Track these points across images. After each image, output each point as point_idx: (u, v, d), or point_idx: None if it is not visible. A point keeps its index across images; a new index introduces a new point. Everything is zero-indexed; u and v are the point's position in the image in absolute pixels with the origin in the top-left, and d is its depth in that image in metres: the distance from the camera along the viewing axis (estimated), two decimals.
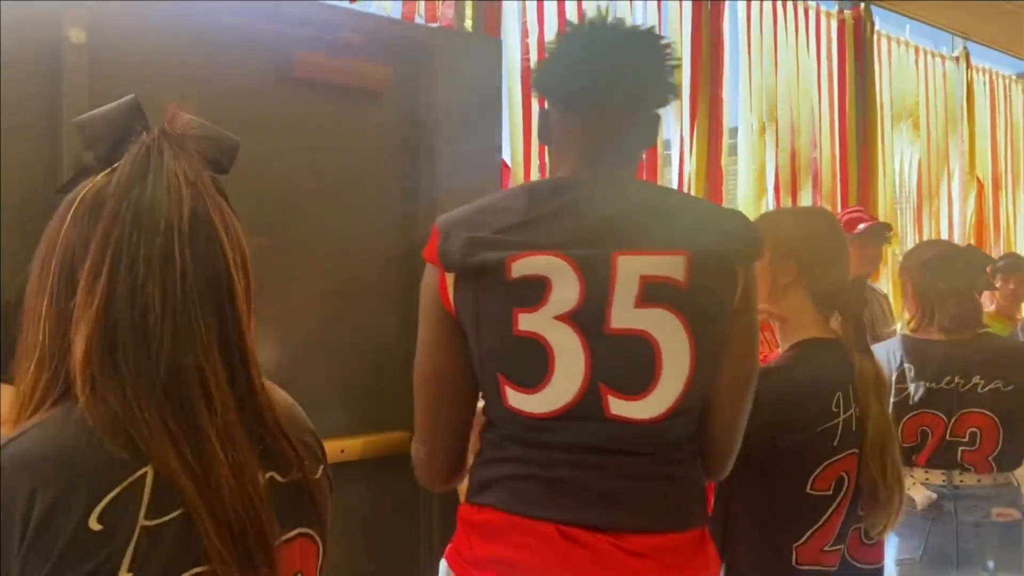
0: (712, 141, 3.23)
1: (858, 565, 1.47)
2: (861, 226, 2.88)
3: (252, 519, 0.69)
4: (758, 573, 1.42)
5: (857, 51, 3.85)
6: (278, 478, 0.75)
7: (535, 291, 1.07)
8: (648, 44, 1.14)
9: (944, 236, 4.34)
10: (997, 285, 3.26)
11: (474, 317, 1.10)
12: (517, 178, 2.78)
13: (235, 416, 0.71)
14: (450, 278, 1.11)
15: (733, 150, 3.59)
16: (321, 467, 0.81)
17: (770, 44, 3.55)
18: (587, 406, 1.08)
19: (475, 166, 2.53)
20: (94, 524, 0.64)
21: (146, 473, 0.66)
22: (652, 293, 1.07)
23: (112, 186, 0.71)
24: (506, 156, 2.74)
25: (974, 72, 4.75)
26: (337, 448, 2.13)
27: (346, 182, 2.31)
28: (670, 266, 1.08)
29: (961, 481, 2.03)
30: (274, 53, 2.18)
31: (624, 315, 1.07)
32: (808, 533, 1.41)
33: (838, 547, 1.45)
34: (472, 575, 1.11)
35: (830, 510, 1.41)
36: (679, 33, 3.20)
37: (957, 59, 4.63)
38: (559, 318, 1.07)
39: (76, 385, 0.68)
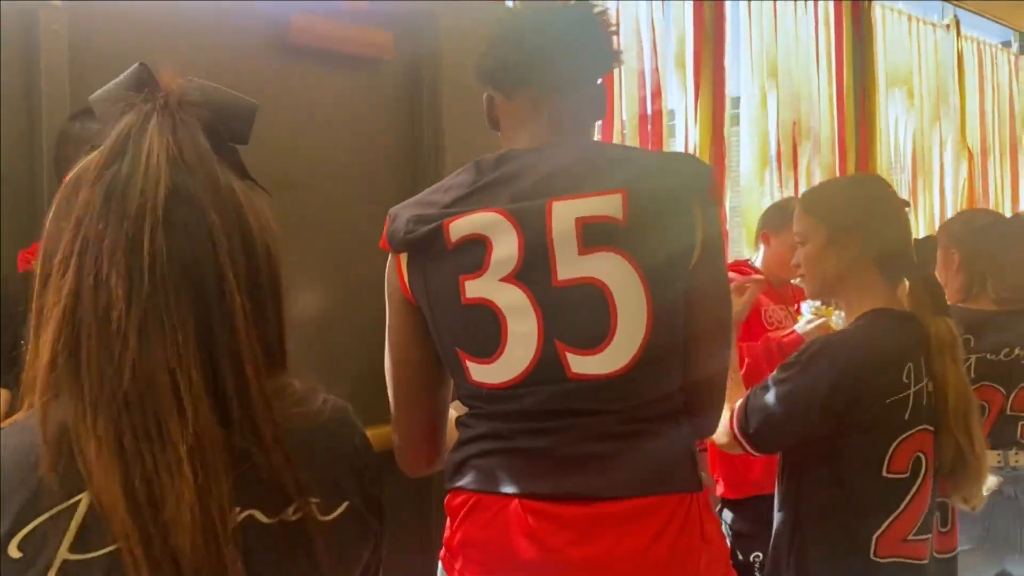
0: (716, 110, 3.15)
1: (936, 555, 1.41)
2: None
3: (209, 564, 0.57)
4: (828, 565, 1.35)
5: (855, 18, 3.78)
6: (260, 517, 0.62)
7: (477, 254, 1.05)
8: (580, 18, 1.13)
9: (937, 205, 4.32)
10: None
11: (426, 294, 1.09)
12: None
13: (215, 432, 0.59)
14: (404, 261, 1.10)
15: (735, 120, 3.51)
16: (344, 506, 0.67)
17: (770, 12, 3.47)
18: (546, 369, 1.04)
19: (483, 136, 2.41)
20: (14, 551, 0.57)
21: (79, 501, 0.58)
22: (593, 236, 1.03)
23: (89, 167, 0.63)
24: None
25: (963, 41, 4.71)
26: None
27: (345, 156, 2.20)
28: (606, 205, 1.04)
29: (1017, 462, 1.96)
30: (267, 19, 2.07)
31: (570, 264, 1.04)
32: (889, 520, 1.34)
33: (924, 537, 1.38)
34: (450, 564, 1.10)
35: (910, 494, 1.35)
36: (682, 1, 3.11)
37: (948, 27, 4.58)
38: (505, 279, 1.04)
39: (37, 391, 0.61)
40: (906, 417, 1.36)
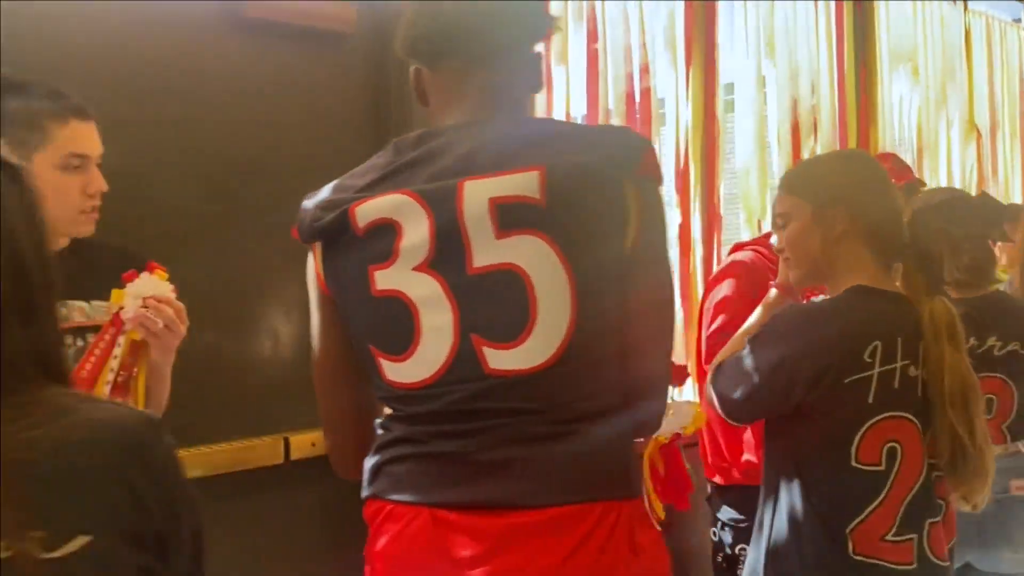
0: (708, 89, 3.02)
1: (940, 563, 1.30)
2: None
3: None
4: (802, 559, 1.25)
5: None
6: None
7: (386, 241, 0.98)
8: None
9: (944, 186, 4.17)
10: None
11: (338, 287, 1.03)
12: None
13: None
14: (319, 253, 1.04)
15: (730, 107, 3.36)
16: (82, 541, 0.57)
17: None
18: (463, 365, 0.97)
19: None
20: None
21: None
22: (510, 218, 0.96)
23: None
24: None
25: (971, 16, 4.54)
26: (307, 442, 1.95)
27: (306, 136, 2.07)
28: (522, 184, 0.96)
29: None
30: None
31: (486, 249, 0.96)
32: (862, 516, 1.24)
33: (908, 538, 1.27)
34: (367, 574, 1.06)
35: (885, 488, 1.24)
36: None
37: (955, 1, 4.41)
38: (417, 268, 0.97)
39: None
40: (870, 400, 1.27)
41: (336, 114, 2.15)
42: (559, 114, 2.67)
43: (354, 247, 1.00)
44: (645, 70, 2.89)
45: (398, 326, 0.98)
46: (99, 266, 1.43)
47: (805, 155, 3.38)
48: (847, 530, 1.26)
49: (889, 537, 1.26)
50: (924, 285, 1.35)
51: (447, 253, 0.97)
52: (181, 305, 1.40)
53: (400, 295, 0.98)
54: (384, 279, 0.98)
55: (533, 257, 0.96)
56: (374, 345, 1.01)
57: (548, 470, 0.95)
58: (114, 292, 1.36)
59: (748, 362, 1.35)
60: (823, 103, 3.51)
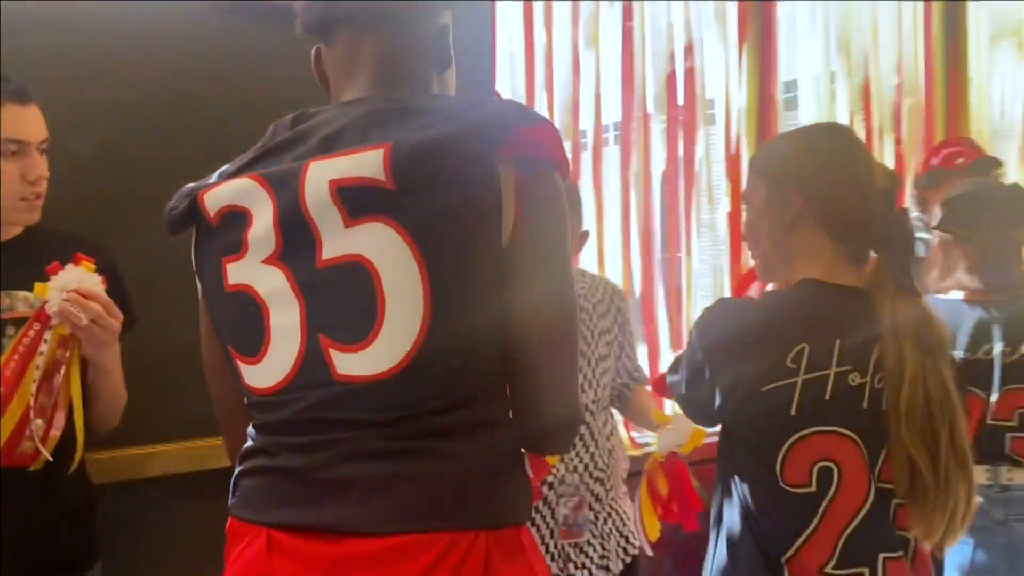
0: (764, 71, 2.78)
1: None
2: (960, 160, 2.40)
3: None
4: None
5: None
6: None
7: (236, 230, 0.88)
8: None
9: None
10: None
11: (201, 281, 0.95)
12: None
13: None
14: (193, 242, 0.96)
15: (791, 105, 3.10)
16: None
17: None
18: (311, 370, 0.86)
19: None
20: None
21: None
22: (357, 203, 0.84)
23: None
24: (505, 90, 2.37)
25: None
26: None
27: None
28: (365, 163, 0.83)
29: (1011, 479, 1.58)
30: None
31: (335, 239, 0.85)
32: (796, 544, 1.05)
33: (854, 572, 1.08)
34: None
35: (818, 515, 1.05)
36: None
37: None
38: (267, 261, 0.87)
39: None
40: (792, 412, 1.08)
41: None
42: (588, 100, 2.50)
43: (209, 238, 0.92)
44: (689, 49, 2.68)
45: (249, 325, 0.89)
46: (49, 255, 1.38)
47: (888, 155, 3.08)
48: (783, 559, 1.06)
49: (829, 570, 1.05)
50: (891, 282, 1.13)
51: (295, 244, 0.86)
52: (108, 299, 1.33)
53: (249, 290, 0.88)
54: (235, 273, 0.89)
55: (382, 248, 0.83)
56: (231, 345, 0.93)
57: (390, 492, 0.83)
58: (36, 285, 1.30)
59: (682, 365, 1.20)
60: (907, 87, 3.18)
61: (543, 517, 1.81)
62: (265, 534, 0.84)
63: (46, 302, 1.29)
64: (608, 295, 1.94)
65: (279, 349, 0.87)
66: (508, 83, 2.38)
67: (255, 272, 0.88)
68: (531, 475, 0.94)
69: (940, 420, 1.08)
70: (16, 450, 1.28)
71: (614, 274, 2.54)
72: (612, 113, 2.59)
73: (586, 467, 1.86)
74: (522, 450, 0.93)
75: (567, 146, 2.03)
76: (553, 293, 0.88)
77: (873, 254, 1.20)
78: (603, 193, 2.53)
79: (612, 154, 2.69)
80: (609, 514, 1.88)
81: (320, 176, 0.85)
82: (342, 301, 0.85)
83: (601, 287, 1.95)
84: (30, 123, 1.35)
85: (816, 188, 1.16)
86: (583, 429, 1.84)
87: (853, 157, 1.18)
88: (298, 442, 0.86)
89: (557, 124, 2.45)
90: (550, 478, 1.82)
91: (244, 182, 0.88)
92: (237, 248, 0.88)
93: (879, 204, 1.15)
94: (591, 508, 1.84)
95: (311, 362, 0.85)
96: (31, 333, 1.30)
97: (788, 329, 1.10)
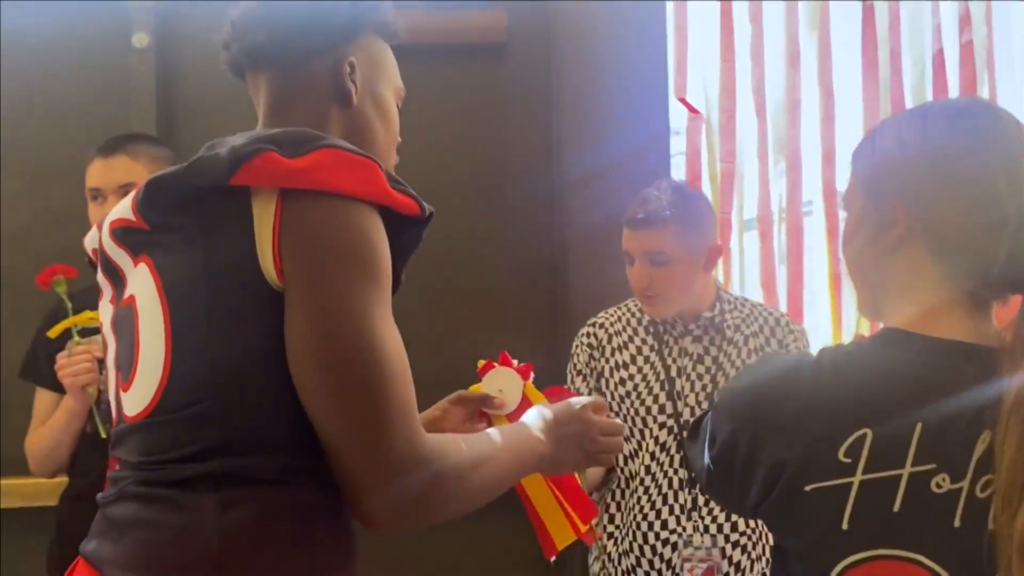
0: None
1: None
2: None
3: None
4: None
5: None
6: None
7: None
8: None
9: None
10: None
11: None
12: (712, 126, 2.12)
13: None
14: None
15: None
16: None
17: None
18: (116, 406, 0.89)
19: (636, 123, 1.99)
20: None
21: None
22: (130, 243, 0.87)
23: None
24: (695, 99, 2.12)
25: None
26: None
27: (477, 149, 2.02)
28: (126, 204, 0.87)
29: None
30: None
31: (130, 279, 0.88)
32: None
33: None
34: None
35: None
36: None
37: None
38: (108, 300, 0.93)
39: None
40: (844, 526, 0.76)
41: (504, 123, 2.06)
42: (810, 91, 2.12)
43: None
44: (966, 20, 2.12)
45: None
46: None
47: None
48: None
49: None
50: (1020, 336, 0.76)
51: (112, 283, 0.92)
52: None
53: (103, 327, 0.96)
54: (101, 311, 0.95)
55: (142, 288, 0.85)
56: None
57: (131, 536, 0.80)
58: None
59: (704, 436, 0.89)
60: None
61: None
62: (79, 561, 0.86)
63: None
64: (768, 327, 1.60)
65: (110, 384, 0.92)
66: (700, 86, 2.12)
67: (105, 310, 0.94)
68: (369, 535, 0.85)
69: None
70: None
71: None
72: (848, 118, 2.14)
73: (720, 528, 1.50)
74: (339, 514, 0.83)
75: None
76: (325, 335, 0.78)
77: (1014, 297, 0.82)
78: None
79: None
80: None
81: (109, 216, 0.89)
82: (124, 341, 0.87)
83: (760, 317, 1.61)
84: (111, 171, 1.56)
85: (924, 198, 0.82)
86: None
87: (986, 152, 0.81)
88: (110, 477, 0.89)
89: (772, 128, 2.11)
90: (673, 537, 1.51)
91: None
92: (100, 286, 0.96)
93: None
94: None
95: (116, 400, 0.89)
96: None
97: (845, 405, 0.79)
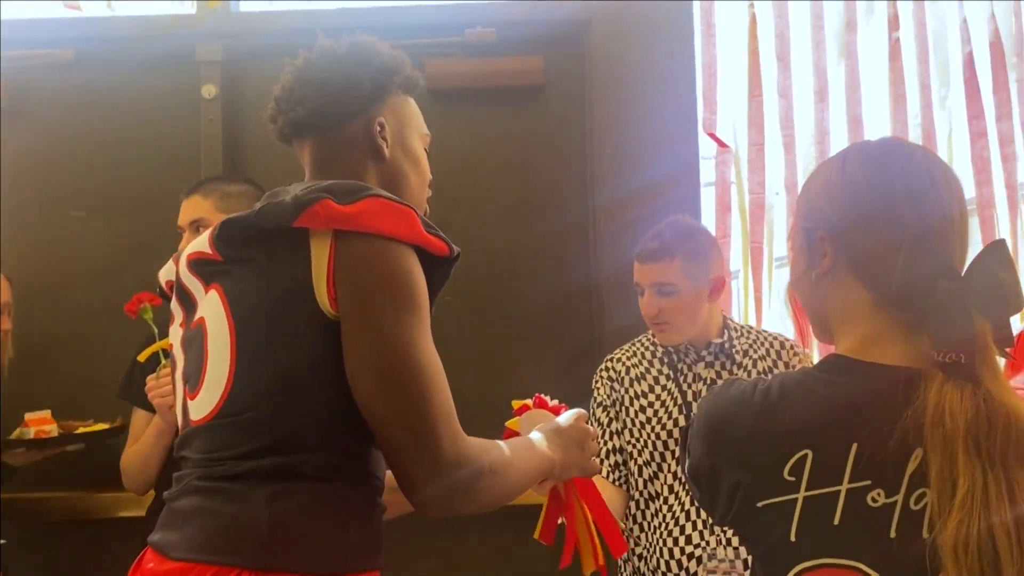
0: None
1: None
2: None
3: None
4: None
5: None
6: None
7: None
8: (323, 58, 1.10)
9: None
10: None
11: None
12: (741, 159, 2.19)
13: None
14: None
15: None
16: None
17: None
18: (183, 413, 1.03)
19: (666, 156, 2.08)
20: None
21: None
22: (204, 273, 1.02)
23: None
24: (724, 132, 2.20)
25: None
26: None
27: (518, 187, 2.15)
28: (202, 240, 1.02)
29: None
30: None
31: (201, 304, 1.02)
32: None
33: None
34: None
35: None
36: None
37: None
38: (179, 324, 1.07)
39: None
40: (792, 538, 0.83)
41: (542, 158, 2.17)
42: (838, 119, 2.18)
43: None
44: (998, 49, 2.16)
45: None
46: None
47: None
48: None
49: None
50: (937, 360, 0.81)
51: (184, 308, 1.06)
52: None
53: (172, 348, 1.10)
54: (172, 334, 1.09)
55: (211, 311, 0.99)
56: None
57: (191, 524, 0.94)
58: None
59: (689, 447, 0.96)
60: None
61: None
62: (147, 550, 0.99)
63: None
64: (774, 350, 1.71)
65: (177, 396, 1.06)
66: (729, 121, 2.20)
67: (175, 333, 1.08)
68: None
69: (1009, 561, 0.74)
70: None
71: None
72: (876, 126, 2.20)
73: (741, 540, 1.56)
74: (375, 503, 0.99)
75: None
76: (380, 356, 0.91)
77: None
78: None
79: None
80: None
81: (186, 251, 1.05)
82: (193, 356, 1.01)
83: (766, 342, 1.72)
84: (185, 210, 1.73)
85: (844, 231, 0.89)
86: None
87: (892, 185, 0.87)
88: (175, 475, 1.02)
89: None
90: (697, 552, 1.58)
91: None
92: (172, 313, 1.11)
93: (917, 249, 0.84)
94: None
95: (182, 407, 1.03)
96: None
97: (788, 429, 0.85)
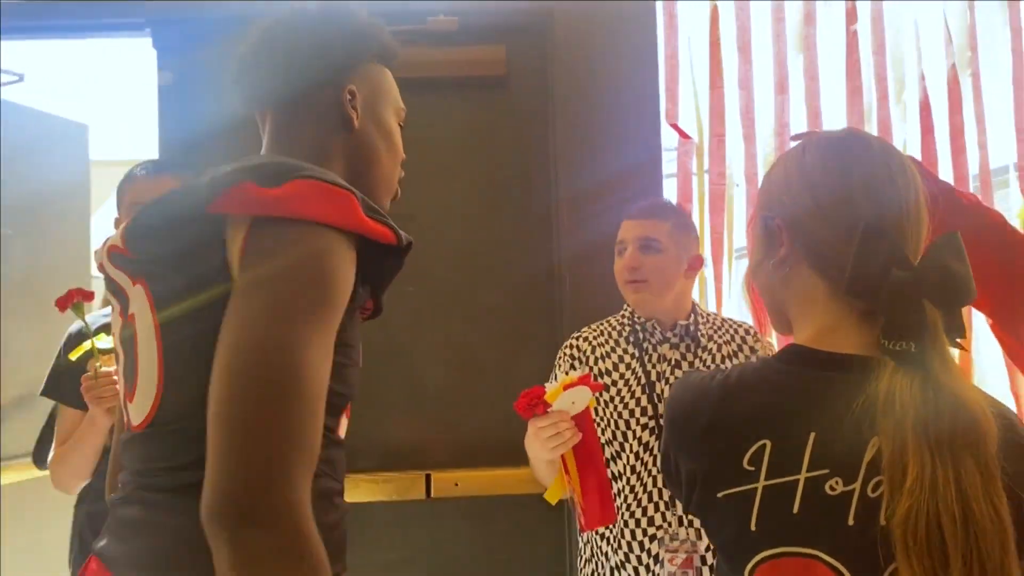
0: None
1: None
2: None
3: None
4: None
5: None
6: None
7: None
8: (293, 19, 1.02)
9: None
10: None
11: None
12: (703, 150, 2.22)
13: None
14: None
15: None
16: None
17: None
18: (124, 408, 0.96)
19: (628, 146, 2.09)
20: None
21: None
22: (125, 268, 0.91)
23: None
24: (686, 123, 2.22)
25: None
26: (451, 481, 1.95)
27: (482, 178, 2.16)
28: (119, 232, 0.92)
29: None
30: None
31: (131, 296, 0.92)
32: None
33: None
34: None
35: None
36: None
37: None
38: (121, 315, 0.96)
39: None
40: (752, 527, 0.83)
41: (505, 148, 2.17)
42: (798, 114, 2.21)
43: None
44: (948, 44, 2.20)
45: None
46: None
47: None
48: None
49: None
50: (887, 348, 0.83)
51: (118, 299, 0.95)
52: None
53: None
54: (112, 323, 1.00)
55: (139, 308, 0.89)
56: None
57: (134, 537, 0.87)
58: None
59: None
60: None
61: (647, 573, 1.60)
62: (92, 559, 0.92)
63: None
64: (739, 336, 1.74)
65: (120, 392, 0.97)
66: (692, 112, 2.23)
67: (114, 323, 0.98)
68: None
69: (954, 545, 0.76)
70: None
71: None
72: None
73: None
74: None
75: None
76: (239, 352, 0.76)
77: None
78: None
79: None
80: None
81: (108, 240, 0.94)
82: (128, 356, 0.92)
83: (731, 329, 1.75)
84: (147, 191, 1.63)
85: (800, 219, 0.89)
86: None
87: (849, 174, 0.88)
88: (120, 481, 0.95)
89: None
90: (659, 532, 1.60)
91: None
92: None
93: (871, 239, 0.84)
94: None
95: (124, 406, 0.95)
96: None
97: (746, 419, 0.85)
